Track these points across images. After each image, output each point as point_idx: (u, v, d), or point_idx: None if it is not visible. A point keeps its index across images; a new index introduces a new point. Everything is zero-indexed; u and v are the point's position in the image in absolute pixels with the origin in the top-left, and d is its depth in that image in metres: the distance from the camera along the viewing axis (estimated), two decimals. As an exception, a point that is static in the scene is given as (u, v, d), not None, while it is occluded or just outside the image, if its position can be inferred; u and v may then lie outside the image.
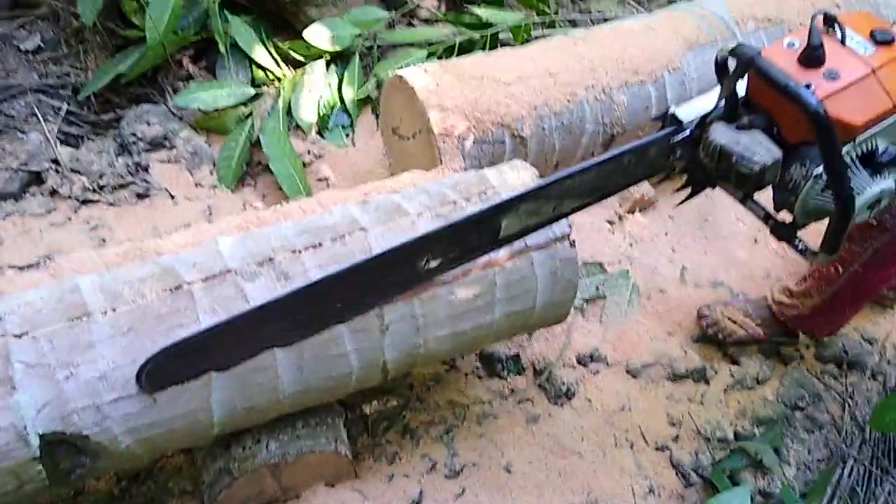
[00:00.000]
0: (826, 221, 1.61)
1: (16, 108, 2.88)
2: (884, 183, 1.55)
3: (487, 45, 3.19)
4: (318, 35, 3.10)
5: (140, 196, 2.74)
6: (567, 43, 2.73)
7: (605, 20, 3.37)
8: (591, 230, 2.86)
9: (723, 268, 2.86)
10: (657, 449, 2.37)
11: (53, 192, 2.68)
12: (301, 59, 3.14)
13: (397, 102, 2.56)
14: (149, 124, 2.87)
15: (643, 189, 2.91)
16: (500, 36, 3.30)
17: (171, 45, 2.98)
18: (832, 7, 2.97)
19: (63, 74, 3.05)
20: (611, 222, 2.92)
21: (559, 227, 1.96)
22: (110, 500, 2.04)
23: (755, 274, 2.85)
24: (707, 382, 2.55)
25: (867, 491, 2.27)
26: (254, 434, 1.92)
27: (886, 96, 1.47)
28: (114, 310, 1.64)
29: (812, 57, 1.45)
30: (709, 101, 1.57)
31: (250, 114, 2.97)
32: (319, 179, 2.93)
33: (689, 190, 1.71)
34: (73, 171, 2.74)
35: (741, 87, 1.53)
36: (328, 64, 3.16)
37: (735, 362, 2.60)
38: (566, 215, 1.67)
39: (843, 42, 1.50)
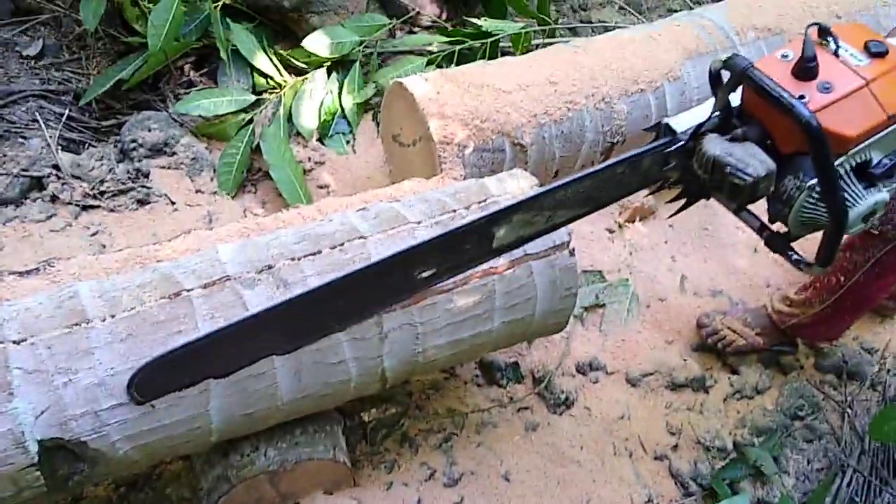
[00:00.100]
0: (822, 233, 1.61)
1: (17, 114, 2.88)
2: (878, 195, 1.55)
3: (488, 54, 3.20)
4: (317, 44, 3.11)
5: (140, 202, 2.74)
6: (567, 52, 2.74)
7: (606, 29, 3.38)
8: (591, 239, 2.87)
9: (722, 277, 2.86)
10: (656, 458, 2.37)
11: (54, 198, 2.68)
12: (302, 66, 3.15)
13: (398, 110, 2.57)
14: (150, 130, 2.87)
15: (643, 198, 2.91)
16: (501, 45, 3.30)
17: (172, 51, 2.99)
18: (832, 17, 2.98)
19: (64, 80, 3.06)
20: (610, 231, 2.93)
21: (558, 236, 1.96)
22: (108, 507, 2.05)
23: (755, 283, 2.86)
24: (706, 391, 2.55)
25: (866, 501, 2.27)
26: (252, 441, 1.92)
27: (880, 108, 1.47)
28: (112, 316, 1.64)
29: (806, 69, 1.45)
30: (703, 111, 1.57)
31: (251, 120, 2.98)
32: (320, 186, 2.94)
33: (683, 201, 1.71)
34: (73, 176, 2.74)
35: (735, 98, 1.53)
36: (329, 71, 3.17)
37: (734, 372, 2.60)
38: (561, 226, 1.67)
39: (836, 54, 1.50)
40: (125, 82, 2.98)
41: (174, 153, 2.87)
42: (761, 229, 1.65)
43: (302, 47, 3.13)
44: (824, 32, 1.50)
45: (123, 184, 2.77)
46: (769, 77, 1.44)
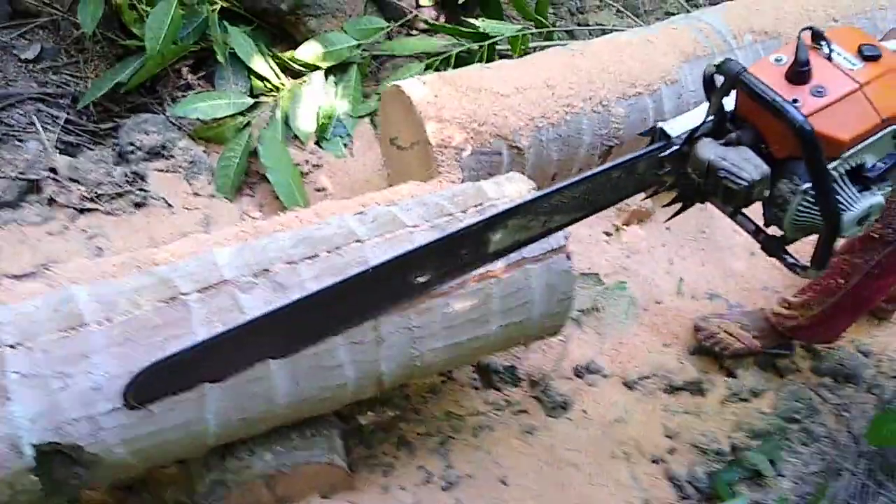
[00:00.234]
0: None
1: (14, 117, 2.89)
2: (872, 198, 1.56)
3: (485, 57, 3.20)
4: (312, 52, 3.12)
5: (138, 205, 2.74)
6: (565, 55, 2.74)
7: (604, 32, 3.38)
8: (589, 242, 2.87)
9: (720, 280, 2.87)
10: (653, 461, 2.37)
11: (51, 201, 2.68)
12: (300, 69, 3.15)
13: (395, 113, 2.57)
14: (147, 134, 2.87)
15: (640, 201, 2.91)
16: (498, 47, 3.30)
17: (170, 54, 2.99)
18: (829, 20, 2.98)
19: (62, 83, 3.06)
20: (608, 234, 2.93)
21: (555, 240, 1.96)
22: (105, 511, 2.04)
23: (752, 286, 2.86)
24: (703, 395, 2.55)
25: (862, 504, 2.27)
26: (249, 445, 1.92)
27: (874, 112, 1.47)
28: (109, 320, 1.64)
29: (799, 73, 1.46)
30: (697, 116, 1.57)
31: (248, 124, 2.98)
32: (317, 189, 2.94)
33: (679, 205, 1.71)
34: (71, 179, 2.74)
35: (729, 102, 1.53)
36: (327, 74, 3.17)
37: (731, 374, 2.60)
38: (557, 230, 1.67)
39: (830, 58, 1.50)
40: (123, 85, 2.98)
41: (172, 156, 2.87)
42: (757, 233, 1.65)
43: (301, 48, 3.13)
44: (818, 36, 1.50)
45: (121, 187, 2.77)
46: (762, 81, 1.44)
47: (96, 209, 2.71)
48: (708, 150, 1.50)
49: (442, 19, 3.57)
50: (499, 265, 1.92)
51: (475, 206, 2.01)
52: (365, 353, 1.85)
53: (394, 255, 1.53)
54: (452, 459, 2.25)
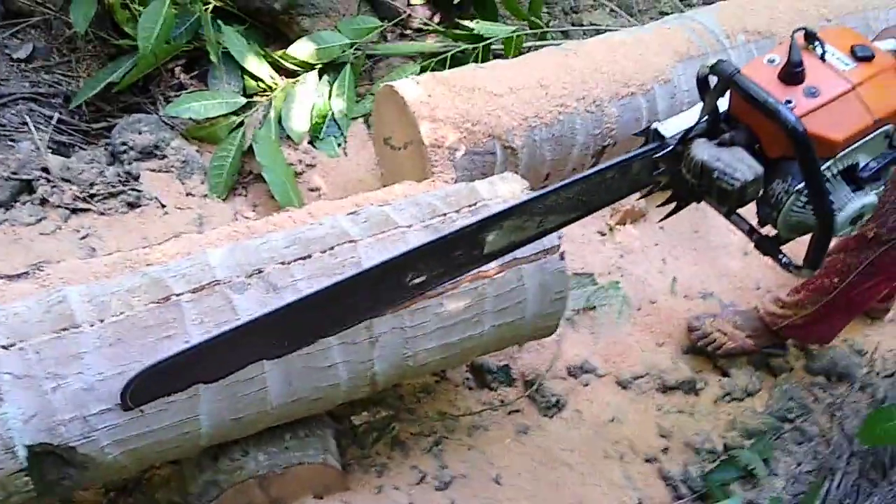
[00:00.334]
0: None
1: (7, 117, 2.88)
2: (866, 198, 1.56)
3: (480, 59, 3.20)
4: (305, 51, 3.12)
5: (131, 205, 2.73)
6: (558, 55, 2.74)
7: (598, 32, 3.38)
8: (582, 241, 2.87)
9: (713, 279, 2.87)
10: (647, 461, 2.38)
11: (44, 201, 2.67)
12: (293, 68, 3.15)
13: (389, 113, 2.57)
14: (140, 133, 2.86)
15: (634, 201, 2.91)
16: (493, 48, 3.30)
17: (162, 54, 2.98)
18: (821, 20, 2.98)
19: (55, 83, 3.05)
20: (602, 233, 2.93)
21: (548, 240, 1.96)
22: (98, 511, 2.04)
23: (746, 285, 2.86)
24: (697, 394, 2.55)
25: (856, 503, 2.27)
26: (242, 446, 1.92)
27: (867, 112, 1.47)
28: (101, 321, 1.64)
29: (792, 74, 1.46)
30: (691, 116, 1.57)
31: (242, 123, 2.97)
32: (311, 189, 2.93)
33: (673, 205, 1.71)
34: (63, 179, 2.73)
35: (723, 102, 1.53)
36: (321, 73, 3.16)
37: (725, 374, 2.60)
38: (552, 231, 1.67)
39: (823, 58, 1.50)
40: (115, 85, 2.97)
41: (164, 156, 2.87)
42: (751, 232, 1.65)
43: (294, 46, 3.13)
44: (811, 37, 1.50)
45: (114, 187, 2.76)
46: (755, 82, 1.44)
47: (89, 209, 2.70)
48: (702, 150, 1.50)
49: (436, 19, 3.56)
50: (492, 265, 1.92)
51: (468, 206, 2.01)
52: (358, 353, 1.85)
53: (389, 257, 1.53)
54: (446, 459, 2.25)
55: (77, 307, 1.66)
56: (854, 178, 1.55)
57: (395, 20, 3.46)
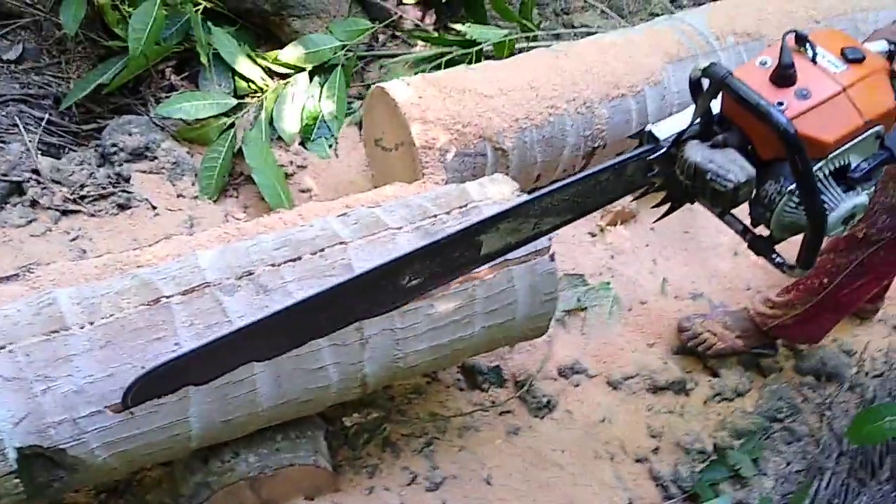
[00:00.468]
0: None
1: (-4, 119, 2.87)
2: (857, 198, 1.57)
3: (472, 62, 3.20)
4: (296, 53, 3.12)
5: (121, 207, 2.73)
6: (549, 56, 2.75)
7: (589, 34, 3.38)
8: (573, 242, 2.88)
9: (703, 280, 2.88)
10: (637, 461, 2.38)
11: (34, 203, 2.66)
12: (284, 69, 3.15)
13: (380, 114, 2.57)
14: (130, 135, 2.86)
15: (624, 202, 2.92)
16: (485, 49, 3.30)
17: (153, 55, 2.98)
18: (811, 22, 3.00)
19: (45, 84, 3.05)
20: (592, 234, 2.93)
21: (539, 241, 1.96)
22: (89, 513, 2.04)
23: (736, 286, 2.87)
24: (687, 394, 2.56)
25: (844, 503, 2.28)
26: (233, 447, 1.92)
27: (857, 114, 1.48)
28: (91, 323, 1.64)
29: (783, 76, 1.46)
30: (684, 118, 1.58)
31: (233, 124, 2.97)
32: (302, 190, 2.93)
33: (668, 205, 1.72)
34: (53, 181, 2.73)
35: (716, 104, 1.54)
36: (312, 75, 3.16)
37: (715, 374, 2.61)
38: (547, 232, 1.68)
39: (814, 60, 1.51)
40: (106, 86, 2.97)
41: (155, 157, 2.86)
42: (744, 232, 1.66)
43: (284, 51, 3.13)
44: (802, 39, 1.51)
45: (104, 188, 2.75)
46: (747, 85, 1.45)
47: (79, 211, 2.70)
48: (695, 152, 1.51)
49: (427, 19, 3.57)
50: (482, 267, 1.92)
51: (459, 207, 2.01)
52: (348, 354, 1.85)
53: (387, 260, 1.53)
54: (437, 460, 2.25)
55: (67, 309, 1.66)
56: (845, 179, 1.55)
57: (387, 22, 3.46)
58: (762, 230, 1.64)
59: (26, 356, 1.58)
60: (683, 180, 1.55)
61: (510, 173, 2.53)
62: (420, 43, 3.46)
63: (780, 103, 1.45)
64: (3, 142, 2.81)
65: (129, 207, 2.74)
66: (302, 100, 3.10)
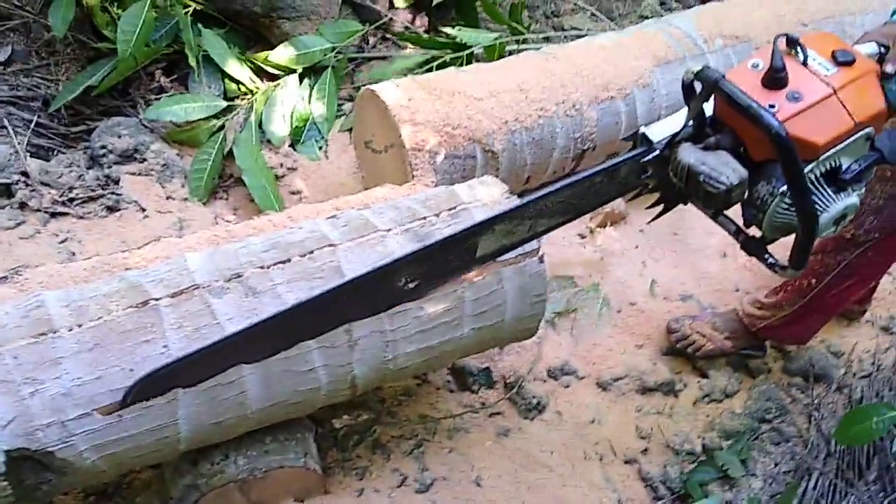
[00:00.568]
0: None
1: (-15, 121, 2.86)
2: (848, 199, 1.58)
3: (463, 66, 3.20)
4: (286, 55, 3.12)
5: (110, 209, 2.72)
6: (538, 59, 2.75)
7: (579, 37, 3.39)
8: (563, 244, 2.88)
9: (692, 281, 2.89)
10: (626, 462, 2.39)
11: (22, 205, 2.65)
12: (274, 71, 3.15)
13: (370, 116, 2.57)
14: (120, 137, 2.85)
15: (614, 203, 2.92)
16: (475, 54, 3.31)
17: (142, 57, 2.97)
18: (798, 25, 3.01)
19: (33, 86, 3.04)
20: (582, 236, 2.94)
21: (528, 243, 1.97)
22: (77, 516, 2.03)
23: (725, 287, 2.88)
24: (676, 395, 2.57)
25: (832, 503, 2.29)
26: (222, 449, 1.91)
27: (848, 116, 1.49)
28: (79, 326, 1.63)
29: (775, 79, 1.47)
30: (678, 121, 1.59)
31: (222, 126, 2.97)
32: (292, 192, 2.93)
33: (661, 207, 1.74)
34: (42, 183, 2.72)
35: (708, 107, 1.55)
36: (301, 77, 3.16)
37: (704, 375, 2.62)
38: (542, 234, 1.69)
39: (805, 63, 1.52)
40: (95, 88, 2.96)
41: (144, 159, 2.86)
42: (737, 233, 1.67)
43: (274, 52, 3.13)
44: (793, 42, 1.52)
45: (93, 190, 2.75)
46: (739, 88, 1.46)
47: (68, 213, 2.69)
48: (688, 154, 1.52)
49: (418, 23, 3.57)
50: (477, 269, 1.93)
51: (448, 209, 2.01)
52: (337, 356, 1.85)
53: (385, 262, 1.54)
54: (427, 462, 2.25)
55: (55, 312, 1.65)
56: (836, 180, 1.57)
57: (377, 24, 3.47)
58: (755, 231, 1.65)
59: (14, 359, 1.57)
60: (677, 182, 1.56)
61: (500, 175, 2.54)
62: (410, 46, 3.47)
63: (772, 106, 1.46)
64: (-9, 144, 2.80)
65: (119, 210, 2.73)
66: (292, 102, 3.10)
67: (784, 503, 2.27)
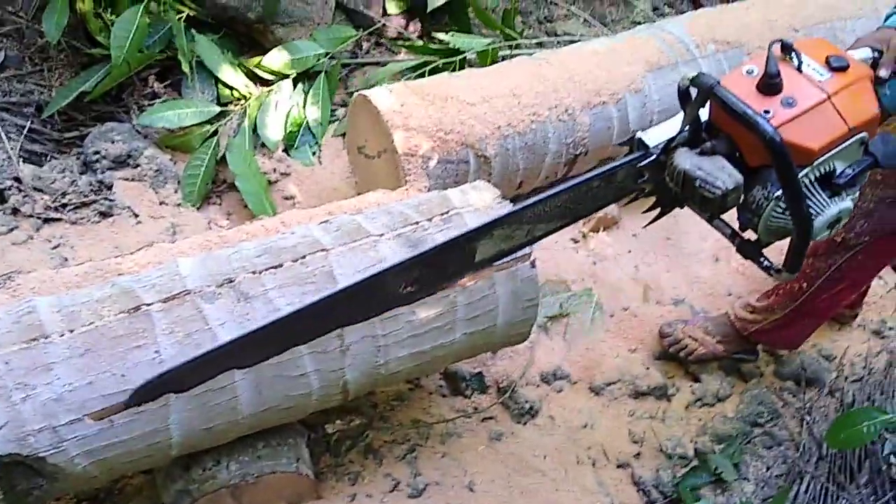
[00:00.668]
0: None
1: (-22, 126, 2.86)
2: (842, 204, 1.60)
3: (456, 71, 3.21)
4: (279, 60, 3.12)
5: (103, 214, 2.72)
6: (531, 64, 2.76)
7: (572, 42, 3.40)
8: (556, 248, 2.89)
9: (685, 286, 2.89)
10: (619, 466, 2.39)
11: (15, 211, 2.65)
12: (268, 77, 3.15)
13: (363, 122, 2.57)
14: (113, 142, 2.85)
15: (607, 208, 2.93)
16: (468, 59, 3.31)
17: (136, 63, 2.97)
18: (790, 31, 3.02)
19: (27, 92, 3.03)
20: (575, 241, 2.95)
21: (520, 247, 1.98)
22: (70, 522, 2.03)
23: (717, 291, 2.89)
24: (668, 399, 2.57)
25: (823, 507, 2.30)
26: (214, 455, 1.91)
27: (842, 121, 1.50)
28: (71, 331, 1.63)
29: (770, 84, 1.49)
30: (674, 126, 1.60)
31: (216, 132, 2.97)
32: (285, 198, 2.93)
33: (657, 211, 1.75)
34: (35, 189, 2.72)
35: (704, 112, 1.56)
36: (295, 82, 3.16)
37: (696, 379, 2.63)
38: (539, 238, 1.70)
39: (799, 69, 1.53)
40: (88, 94, 2.96)
41: (138, 165, 2.85)
42: (733, 236, 1.68)
43: (268, 56, 3.13)
44: (787, 48, 1.53)
45: (86, 196, 2.75)
46: (734, 94, 1.47)
47: (61, 219, 2.69)
48: (684, 159, 1.53)
49: (411, 28, 3.58)
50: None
51: (440, 214, 2.01)
52: (329, 361, 1.85)
53: (384, 267, 1.55)
54: (420, 467, 2.25)
55: (46, 317, 1.65)
56: (831, 185, 1.58)
57: (371, 29, 3.47)
58: (750, 234, 1.66)
59: (5, 364, 1.57)
60: (673, 187, 1.57)
61: (492, 180, 2.54)
62: (404, 51, 3.47)
63: (767, 112, 1.47)
64: (-16, 149, 2.80)
65: (112, 215, 2.73)
66: (286, 107, 3.10)
67: (776, 507, 2.28)
